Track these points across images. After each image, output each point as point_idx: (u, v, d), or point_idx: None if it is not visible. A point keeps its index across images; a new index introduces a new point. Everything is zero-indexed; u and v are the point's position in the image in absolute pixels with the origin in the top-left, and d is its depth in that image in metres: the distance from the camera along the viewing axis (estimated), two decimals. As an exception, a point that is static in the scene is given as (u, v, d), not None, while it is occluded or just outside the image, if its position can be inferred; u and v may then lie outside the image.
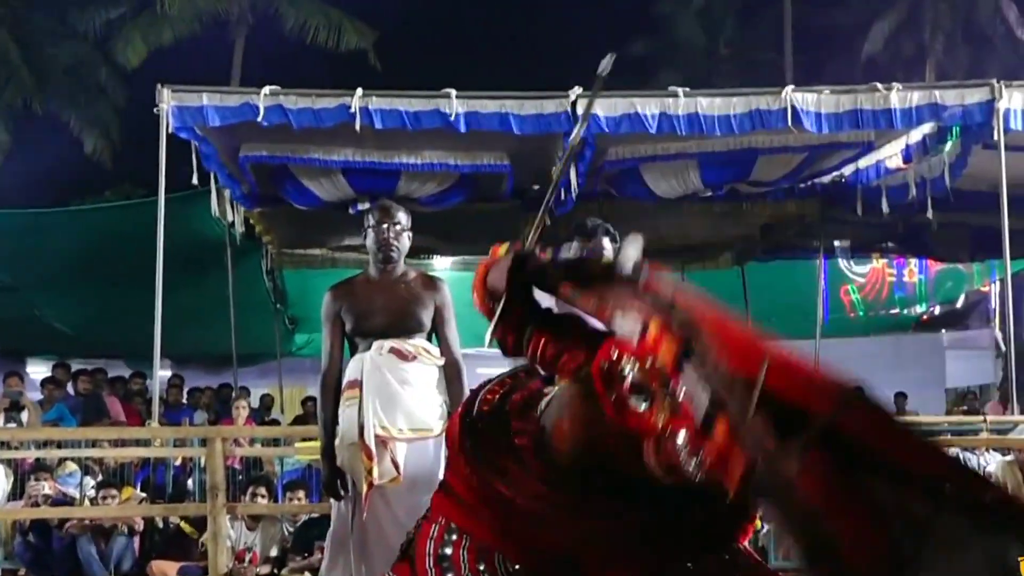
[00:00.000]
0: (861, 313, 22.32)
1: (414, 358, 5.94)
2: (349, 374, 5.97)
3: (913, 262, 21.32)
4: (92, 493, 10.64)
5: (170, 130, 10.95)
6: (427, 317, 6.06)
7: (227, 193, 13.28)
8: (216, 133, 11.57)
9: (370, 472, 5.73)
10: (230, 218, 13.76)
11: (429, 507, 3.95)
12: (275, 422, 15.88)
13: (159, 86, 10.97)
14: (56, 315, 17.63)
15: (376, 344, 5.91)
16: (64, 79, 28.71)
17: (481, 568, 3.72)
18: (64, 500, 10.56)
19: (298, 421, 14.89)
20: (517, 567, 3.69)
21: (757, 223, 15.11)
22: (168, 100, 10.90)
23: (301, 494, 10.31)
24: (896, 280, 22.39)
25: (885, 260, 21.11)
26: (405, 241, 6.15)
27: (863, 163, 13.14)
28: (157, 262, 10.82)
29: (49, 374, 16.11)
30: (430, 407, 5.97)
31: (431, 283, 6.17)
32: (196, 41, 28.84)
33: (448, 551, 3.75)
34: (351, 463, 5.85)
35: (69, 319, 17.77)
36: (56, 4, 28.78)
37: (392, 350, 5.91)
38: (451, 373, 6.08)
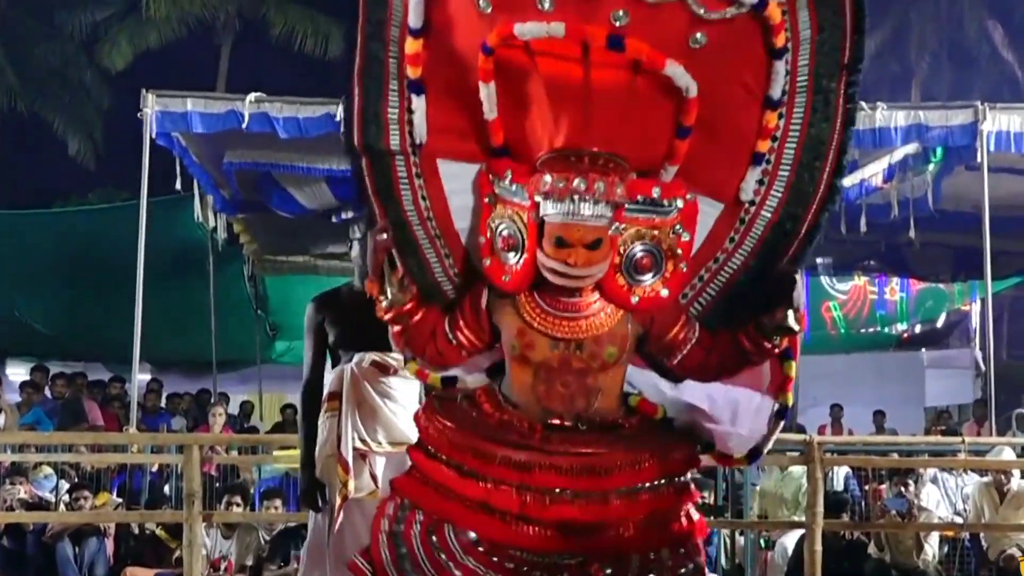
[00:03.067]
0: (842, 330, 22.38)
1: (395, 372, 5.88)
2: (330, 386, 5.94)
3: (895, 280, 21.40)
4: (67, 497, 10.58)
5: (154, 135, 10.92)
6: None
7: (210, 199, 13.25)
8: (200, 139, 11.55)
9: (345, 485, 5.71)
10: (212, 224, 13.75)
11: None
12: (254, 429, 15.84)
13: (144, 91, 10.96)
14: (36, 316, 17.56)
15: (358, 356, 5.88)
16: (49, 80, 28.60)
17: (433, 539, 3.91)
18: (39, 504, 10.51)
19: (277, 428, 14.87)
20: (471, 535, 3.86)
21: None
22: (152, 105, 10.89)
23: (278, 503, 10.26)
24: (877, 298, 22.46)
25: (867, 278, 21.19)
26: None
27: (846, 181, 13.10)
28: (138, 266, 10.80)
29: (27, 377, 16.00)
30: (410, 420, 5.91)
31: None
32: (182, 45, 28.74)
33: (400, 527, 3.96)
34: (328, 475, 5.82)
35: (49, 321, 17.70)
36: (42, 5, 28.68)
37: (373, 363, 5.87)
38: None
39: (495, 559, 3.84)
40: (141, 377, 13.53)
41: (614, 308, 3.92)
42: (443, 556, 3.90)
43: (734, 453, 4.23)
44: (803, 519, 9.40)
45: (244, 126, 10.87)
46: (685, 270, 3.95)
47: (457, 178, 4.08)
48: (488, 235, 3.98)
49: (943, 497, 11.27)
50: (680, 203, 3.89)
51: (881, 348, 23.18)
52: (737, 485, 11.00)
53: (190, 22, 28.77)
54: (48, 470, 11.00)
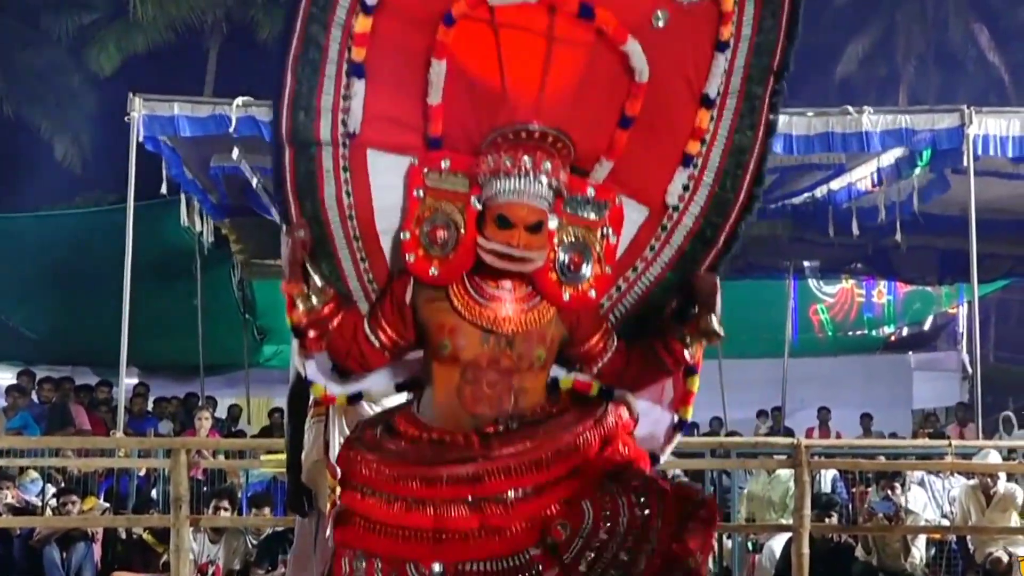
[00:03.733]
0: (830, 333, 22.45)
1: None
2: None
3: (882, 283, 21.48)
4: (54, 502, 10.56)
5: (141, 139, 10.91)
6: None
7: (196, 203, 13.24)
8: (188, 142, 11.53)
9: (334, 491, 5.68)
10: (199, 228, 13.74)
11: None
12: (242, 433, 15.81)
13: (131, 95, 10.93)
14: (22, 320, 17.53)
15: None
16: (35, 84, 28.49)
17: None
18: (26, 508, 10.48)
19: (264, 432, 14.82)
20: (436, 567, 3.74)
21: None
22: (139, 109, 10.87)
23: (266, 510, 10.24)
24: (865, 301, 22.54)
25: (854, 281, 21.23)
26: None
27: (835, 185, 13.21)
28: (125, 270, 10.78)
29: (14, 381, 15.96)
30: None
31: None
32: (170, 49, 28.71)
33: None
34: (315, 480, 5.73)
35: (36, 325, 17.67)
36: (29, 9, 28.63)
37: None
38: None
39: None
40: (128, 381, 13.50)
41: (543, 307, 3.93)
42: None
43: None
44: (790, 522, 9.40)
45: (232, 130, 10.84)
46: (610, 273, 4.01)
47: (386, 172, 4.01)
48: (414, 230, 3.92)
49: (930, 499, 11.29)
50: (609, 205, 3.98)
51: (868, 351, 23.24)
52: (724, 488, 11.03)
53: (177, 26, 28.72)
54: (35, 474, 10.97)
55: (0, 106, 27.89)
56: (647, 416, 4.18)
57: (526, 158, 3.78)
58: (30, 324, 17.57)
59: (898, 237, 13.18)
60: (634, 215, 4.09)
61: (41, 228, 16.95)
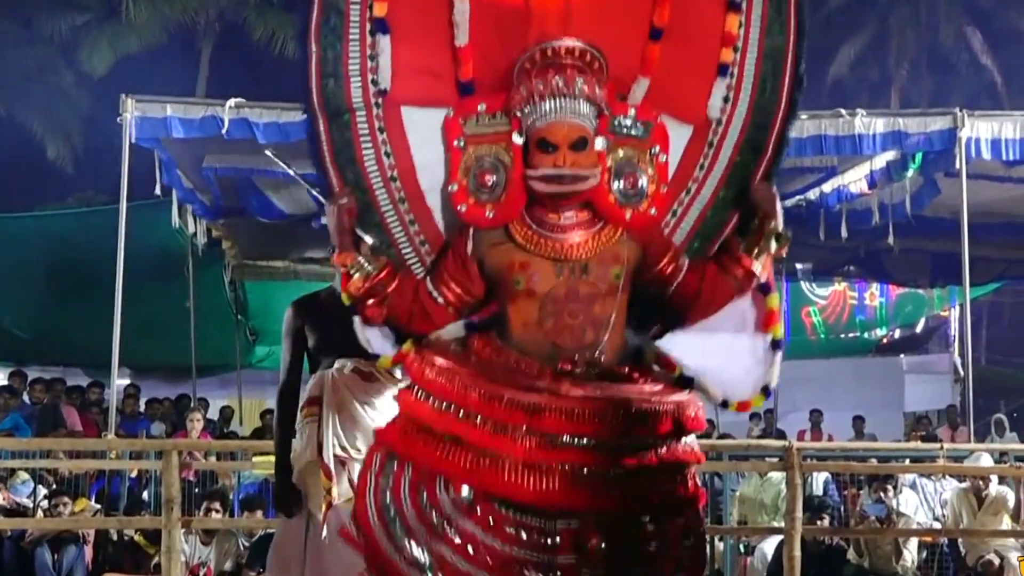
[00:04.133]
0: (822, 335, 22.47)
1: (376, 379, 5.77)
2: (309, 391, 5.84)
3: (874, 285, 21.52)
4: (45, 504, 10.54)
5: (133, 140, 10.89)
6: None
7: (188, 204, 13.24)
8: (180, 144, 11.51)
9: (329, 491, 5.66)
10: (192, 229, 13.73)
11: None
12: (233, 434, 15.77)
13: (123, 96, 10.90)
14: (13, 321, 17.47)
15: (339, 362, 5.77)
16: (28, 84, 28.50)
17: (424, 498, 3.78)
18: (17, 510, 10.45)
19: (256, 434, 14.78)
20: (465, 491, 3.72)
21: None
22: (132, 110, 10.82)
23: (258, 512, 10.20)
24: (857, 303, 22.59)
25: (847, 283, 21.26)
26: None
27: (827, 187, 13.21)
28: (117, 270, 10.75)
29: (5, 382, 15.94)
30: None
31: None
32: (163, 49, 28.70)
33: (388, 483, 3.83)
34: (305, 481, 5.76)
35: (27, 325, 17.60)
36: (22, 8, 28.62)
37: (355, 370, 5.76)
38: None
39: (492, 521, 3.71)
40: (120, 382, 13.48)
41: (608, 231, 3.88)
42: (435, 517, 3.76)
43: (747, 396, 4.13)
44: (782, 525, 9.40)
45: (224, 131, 10.82)
46: (666, 192, 3.98)
47: (423, 128, 3.98)
48: (461, 180, 3.90)
49: (922, 502, 11.30)
50: (652, 125, 3.96)
51: (861, 353, 23.29)
52: (717, 491, 11.01)
53: (170, 27, 28.81)
54: (25, 476, 10.92)
55: (-7, 107, 27.94)
56: (735, 348, 4.08)
57: (557, 78, 3.76)
58: (21, 324, 17.49)
59: (890, 240, 13.22)
60: (678, 135, 4.05)
61: (33, 228, 16.90)
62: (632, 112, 3.94)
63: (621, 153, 3.91)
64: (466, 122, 3.92)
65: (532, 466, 3.65)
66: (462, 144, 3.91)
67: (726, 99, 4.06)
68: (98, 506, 10.85)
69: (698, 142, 4.08)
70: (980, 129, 11.05)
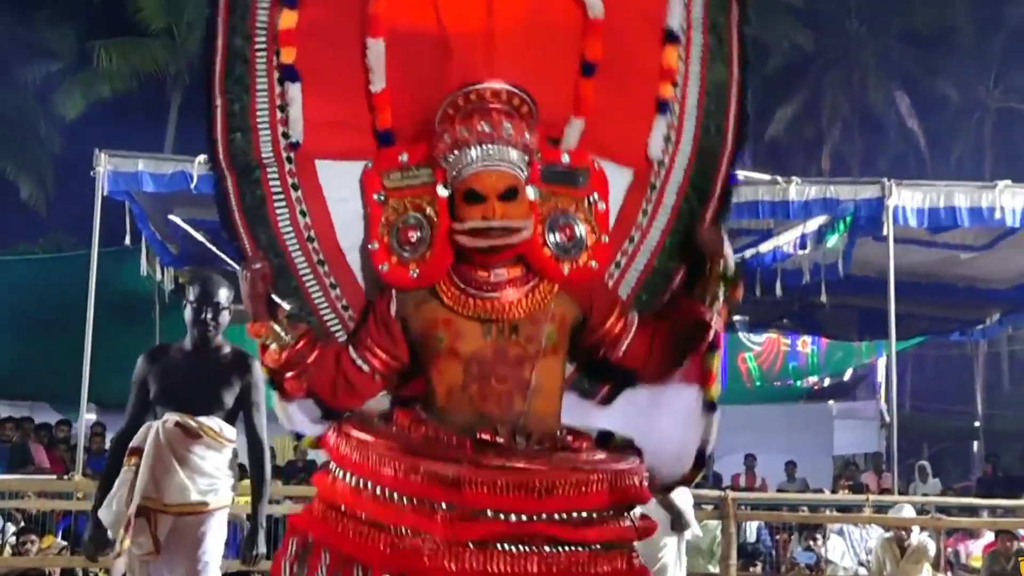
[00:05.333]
0: (757, 383, 22.59)
1: (198, 436, 5.59)
2: (135, 440, 5.60)
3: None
4: (13, 540, 10.47)
5: (105, 193, 10.92)
6: (230, 397, 5.70)
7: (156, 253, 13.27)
8: (150, 196, 11.52)
9: (121, 542, 5.40)
10: (159, 276, 13.72)
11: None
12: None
13: (96, 151, 10.94)
14: (-17, 358, 17.35)
15: (166, 415, 5.56)
16: (3, 127, 28.35)
17: None
18: (-16, 547, 10.39)
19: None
20: None
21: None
22: (104, 164, 10.86)
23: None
24: (790, 350, 22.73)
25: (780, 332, 21.43)
26: (225, 318, 5.78)
27: (763, 248, 13.36)
28: (88, 313, 10.76)
29: (-26, 420, 15.81)
30: (206, 484, 5.62)
31: (243, 363, 5.77)
32: (133, 96, 28.63)
33: (303, 572, 3.34)
34: (115, 527, 5.51)
35: (-3, 362, 17.49)
36: (0, 56, 28.52)
37: (177, 424, 5.55)
38: (254, 453, 5.82)
39: None
40: (89, 416, 13.42)
41: (544, 288, 3.42)
42: None
43: (677, 474, 3.64)
44: (717, 571, 9.48)
45: (193, 186, 10.84)
46: (607, 242, 3.54)
47: (339, 182, 3.55)
48: (383, 237, 3.45)
49: (848, 548, 11.44)
50: (589, 171, 3.53)
51: (793, 399, 23.45)
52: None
53: (140, 75, 28.67)
54: (-7, 514, 10.88)
55: (-32, 150, 27.80)
56: (671, 409, 3.57)
57: (482, 123, 3.32)
58: (-10, 362, 17.40)
59: (822, 297, 13.36)
60: (618, 180, 3.62)
61: (4, 272, 16.82)
62: (565, 159, 3.52)
63: (556, 202, 3.48)
64: (386, 174, 3.48)
65: (454, 545, 3.17)
66: (382, 198, 3.47)
67: (667, 138, 3.65)
68: (64, 543, 10.78)
69: (640, 186, 3.67)
70: (906, 197, 11.25)
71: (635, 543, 3.43)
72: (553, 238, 3.44)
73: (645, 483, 3.44)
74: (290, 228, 3.54)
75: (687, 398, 3.55)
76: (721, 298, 3.46)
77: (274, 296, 3.47)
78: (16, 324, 16.28)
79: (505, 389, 3.34)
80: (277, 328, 3.42)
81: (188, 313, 5.72)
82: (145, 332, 15.17)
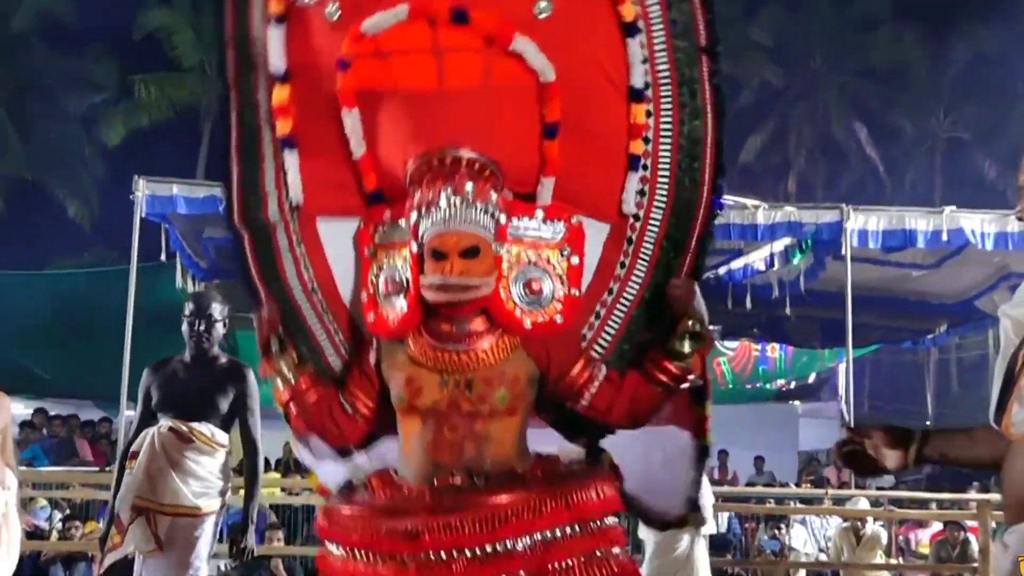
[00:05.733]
0: (731, 384, 22.58)
1: (191, 441, 5.52)
2: (135, 445, 5.57)
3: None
4: (60, 526, 10.51)
5: (143, 215, 10.94)
6: (224, 404, 5.66)
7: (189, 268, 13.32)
8: (184, 217, 11.56)
9: (112, 537, 5.43)
10: (191, 288, 13.75)
11: None
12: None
13: (136, 177, 10.93)
14: (35, 362, 17.38)
15: (162, 421, 5.54)
16: (51, 153, 28.47)
17: None
18: (35, 532, 10.41)
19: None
20: None
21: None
22: (143, 189, 10.85)
23: (280, 534, 10.16)
24: (760, 355, 22.71)
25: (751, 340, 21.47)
26: (219, 330, 5.79)
27: (734, 265, 13.41)
28: (127, 322, 10.80)
29: (28, 416, 15.86)
30: (200, 488, 5.55)
31: (237, 372, 5.77)
32: (170, 125, 28.77)
33: None
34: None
35: (46, 365, 17.51)
36: (49, 89, 28.62)
37: (171, 429, 5.52)
38: (248, 455, 5.78)
39: None
40: (128, 413, 13.46)
41: (506, 341, 3.21)
42: None
43: (670, 512, 3.50)
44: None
45: (222, 209, 10.83)
46: (579, 296, 3.30)
47: (337, 239, 3.46)
48: (370, 289, 3.34)
49: (809, 536, 11.46)
50: (564, 226, 3.31)
51: (762, 400, 23.42)
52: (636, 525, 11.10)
53: (176, 106, 28.80)
54: (44, 502, 10.91)
55: (22, 173, 27.82)
56: (666, 452, 3.40)
57: (447, 186, 3.13)
58: (42, 365, 17.39)
59: (787, 310, 13.42)
60: (595, 234, 3.38)
61: (53, 284, 16.89)
62: (540, 213, 3.30)
63: (524, 256, 3.27)
64: (375, 230, 3.38)
65: None
66: (372, 252, 3.37)
67: (641, 192, 3.38)
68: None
69: (616, 239, 3.40)
70: (862, 221, 11.26)
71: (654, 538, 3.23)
72: (518, 292, 3.24)
73: (608, 493, 3.17)
74: (296, 281, 3.47)
75: (680, 442, 3.39)
76: (687, 354, 3.23)
77: (283, 337, 3.39)
78: (64, 331, 16.35)
79: (456, 438, 3.15)
80: (284, 368, 3.34)
81: (184, 327, 5.71)
82: (178, 338, 15.01)
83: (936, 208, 11.60)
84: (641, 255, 3.40)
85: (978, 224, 11.14)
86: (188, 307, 5.81)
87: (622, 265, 3.40)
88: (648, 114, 3.31)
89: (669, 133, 3.34)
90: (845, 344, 12.17)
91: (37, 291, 16.19)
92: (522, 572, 3.01)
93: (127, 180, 11.12)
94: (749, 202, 11.54)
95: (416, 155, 3.22)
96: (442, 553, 2.99)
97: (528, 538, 3.02)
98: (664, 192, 3.36)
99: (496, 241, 3.16)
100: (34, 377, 17.45)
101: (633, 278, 3.40)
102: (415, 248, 3.17)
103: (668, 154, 3.35)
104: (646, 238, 3.39)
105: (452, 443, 3.14)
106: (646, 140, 3.32)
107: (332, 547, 3.22)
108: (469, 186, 3.12)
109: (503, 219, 3.19)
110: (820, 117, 34.35)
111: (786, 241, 12.34)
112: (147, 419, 5.63)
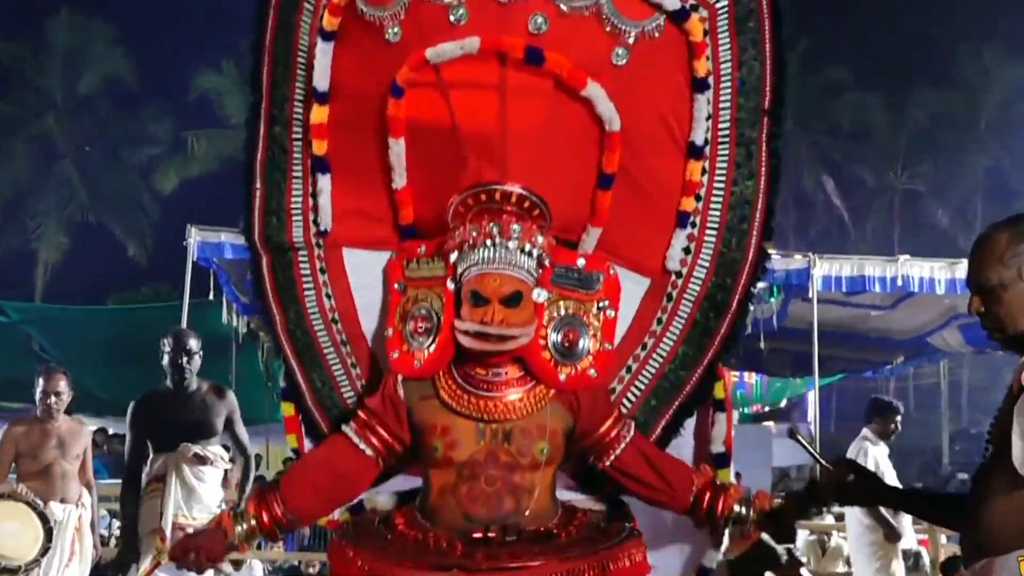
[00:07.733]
0: (712, 409, 22.52)
1: (211, 462, 5.73)
2: (156, 469, 5.66)
3: (751, 371, 21.74)
4: (117, 534, 10.55)
5: (194, 259, 11.03)
6: (219, 423, 5.86)
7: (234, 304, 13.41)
8: (230, 261, 11.64)
9: (159, 553, 5.46)
10: (235, 322, 13.84)
11: None
12: (261, 478, 15.72)
13: (188, 225, 11.03)
14: (98, 385, 17.45)
15: (182, 446, 5.66)
16: (113, 198, 28.74)
17: None
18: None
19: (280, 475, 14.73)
20: None
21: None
22: (194, 236, 10.95)
23: (280, 546, 10.13)
24: (739, 382, 22.65)
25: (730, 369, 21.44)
26: (196, 361, 5.89)
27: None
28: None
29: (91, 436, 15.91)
30: (217, 500, 5.83)
31: (220, 393, 5.98)
32: (218, 176, 28.90)
33: None
34: (150, 548, 5.41)
35: (107, 388, 17.56)
36: (111, 141, 28.88)
37: (195, 454, 5.69)
38: (246, 465, 6.06)
39: None
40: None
41: (540, 392, 2.82)
42: None
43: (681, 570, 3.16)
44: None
45: (241, 227, 10.86)
46: (611, 350, 2.93)
47: (364, 270, 3.06)
48: (397, 326, 2.90)
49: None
50: (603, 277, 2.93)
51: (740, 422, 23.35)
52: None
53: (224, 158, 28.96)
54: (104, 512, 10.94)
55: (87, 216, 28.08)
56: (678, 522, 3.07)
57: (492, 224, 2.76)
58: (103, 388, 17.48)
59: (762, 344, 13.45)
60: (634, 287, 3.02)
61: (114, 316, 17.04)
62: (581, 262, 2.91)
63: (563, 307, 2.88)
64: (407, 264, 2.97)
65: None
66: (402, 287, 2.95)
67: (687, 250, 3.02)
68: (157, 537, 10.85)
69: (656, 295, 3.05)
70: (827, 268, 11.32)
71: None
72: (555, 342, 2.85)
73: (638, 559, 2.86)
74: (316, 309, 3.08)
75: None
76: (743, 519, 2.97)
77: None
78: (122, 358, 16.42)
79: (493, 491, 2.77)
80: (232, 530, 2.86)
81: (165, 361, 5.79)
82: (223, 365, 15.29)
83: (892, 257, 11.68)
84: (679, 313, 3.06)
85: (928, 271, 11.19)
86: (168, 343, 5.84)
87: (659, 321, 3.06)
88: (703, 171, 2.99)
89: (721, 192, 3.01)
90: (813, 373, 12.21)
91: (99, 323, 16.28)
92: None
93: (179, 223, 11.25)
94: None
95: (464, 187, 2.86)
96: None
97: None
98: (709, 251, 3.04)
99: (537, 287, 2.79)
100: (96, 399, 17.52)
101: (668, 335, 3.06)
102: (451, 286, 2.81)
103: (718, 213, 3.02)
104: (686, 296, 3.05)
105: (489, 496, 2.77)
106: (697, 198, 3.01)
107: None
108: (516, 227, 2.78)
109: (546, 263, 2.84)
110: (791, 170, 34.19)
111: (760, 285, 12.35)
112: (142, 448, 5.71)
